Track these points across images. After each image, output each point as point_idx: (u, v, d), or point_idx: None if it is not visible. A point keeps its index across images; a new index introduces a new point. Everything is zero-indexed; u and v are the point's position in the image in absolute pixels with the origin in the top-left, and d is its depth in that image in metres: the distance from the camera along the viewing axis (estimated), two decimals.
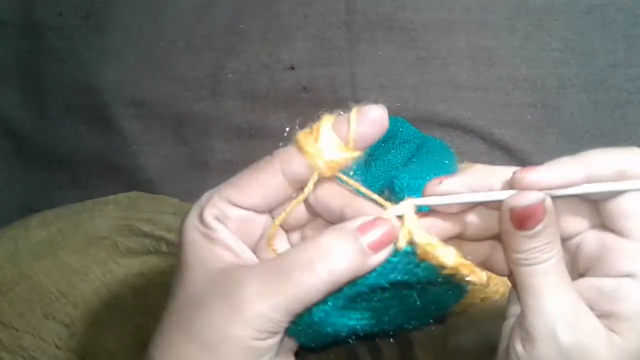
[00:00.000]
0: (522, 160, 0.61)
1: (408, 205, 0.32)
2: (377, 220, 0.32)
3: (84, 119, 0.66)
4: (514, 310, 0.34)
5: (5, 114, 0.68)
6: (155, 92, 0.65)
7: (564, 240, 0.33)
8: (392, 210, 0.32)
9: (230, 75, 0.64)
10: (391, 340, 0.45)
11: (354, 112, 0.32)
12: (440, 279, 0.33)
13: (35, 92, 0.68)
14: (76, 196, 0.64)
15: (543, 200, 0.30)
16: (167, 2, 0.65)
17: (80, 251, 0.52)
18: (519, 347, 0.31)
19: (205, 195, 0.34)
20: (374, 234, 0.31)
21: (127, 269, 0.52)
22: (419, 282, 0.33)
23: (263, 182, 0.33)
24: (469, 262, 0.32)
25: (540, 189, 0.30)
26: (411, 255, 0.32)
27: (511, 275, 0.34)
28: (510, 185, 0.31)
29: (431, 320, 0.38)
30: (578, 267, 0.33)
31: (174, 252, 0.53)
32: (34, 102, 0.68)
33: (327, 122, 0.33)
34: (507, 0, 0.61)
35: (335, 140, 0.33)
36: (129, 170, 0.65)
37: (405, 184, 0.35)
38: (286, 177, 0.33)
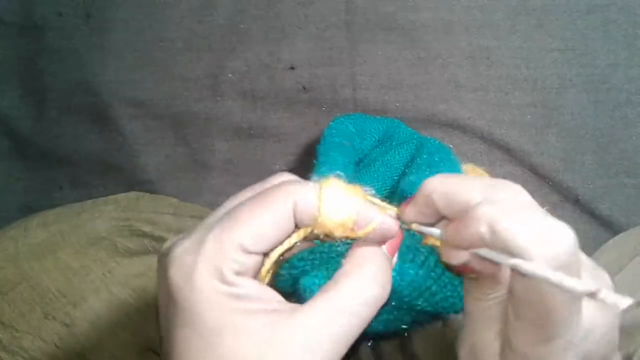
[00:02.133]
0: (522, 160, 0.61)
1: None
2: (387, 229, 0.32)
3: (84, 118, 0.66)
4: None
5: (5, 114, 0.68)
6: (155, 92, 0.65)
7: None
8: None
9: (230, 75, 0.64)
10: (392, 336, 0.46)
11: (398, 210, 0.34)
12: (444, 276, 0.33)
13: (35, 91, 0.68)
14: (76, 196, 0.64)
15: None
16: (167, 2, 0.65)
17: (80, 251, 0.52)
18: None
19: (207, 246, 0.29)
20: (390, 242, 0.32)
21: (127, 269, 0.52)
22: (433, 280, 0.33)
23: (276, 218, 0.30)
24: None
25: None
26: (432, 254, 0.33)
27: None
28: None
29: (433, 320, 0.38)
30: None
31: None
32: (34, 102, 0.68)
33: (371, 196, 0.33)
34: (507, 0, 0.61)
35: (349, 215, 0.31)
36: (128, 170, 0.65)
37: (408, 195, 0.36)
38: (295, 210, 0.30)
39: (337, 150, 0.45)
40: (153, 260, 0.53)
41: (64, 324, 0.49)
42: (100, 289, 0.51)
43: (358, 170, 0.47)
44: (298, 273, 0.33)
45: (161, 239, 0.53)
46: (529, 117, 0.61)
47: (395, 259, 0.33)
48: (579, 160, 0.61)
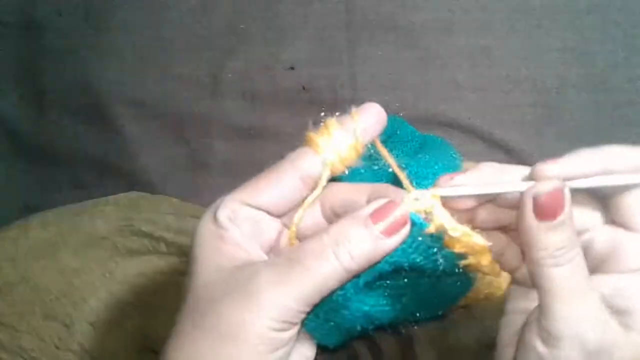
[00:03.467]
0: (522, 160, 0.61)
1: (436, 191, 0.33)
2: (389, 204, 0.31)
3: (84, 118, 0.66)
4: (515, 306, 0.34)
5: (5, 114, 0.68)
6: (155, 92, 0.65)
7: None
8: (413, 194, 0.33)
9: (230, 75, 0.64)
10: (392, 337, 0.46)
11: (356, 109, 0.34)
12: (456, 269, 0.33)
13: (35, 92, 0.68)
14: (76, 196, 0.64)
15: (564, 187, 0.30)
16: (167, 2, 0.65)
17: (80, 251, 0.52)
18: (540, 348, 0.30)
19: (219, 199, 0.34)
20: (387, 219, 0.31)
21: (127, 269, 0.52)
22: (435, 270, 0.33)
23: (276, 181, 0.33)
24: (489, 256, 0.33)
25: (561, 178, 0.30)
26: (437, 241, 0.32)
27: (516, 271, 0.34)
28: (530, 178, 0.31)
29: (439, 313, 0.38)
30: (589, 263, 0.32)
31: (173, 252, 0.53)
32: (34, 102, 0.68)
33: (333, 121, 0.34)
34: (507, 1, 0.61)
35: (343, 135, 0.34)
36: (128, 171, 0.65)
37: (414, 172, 0.35)
38: (299, 175, 0.33)
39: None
40: (153, 260, 0.53)
41: (64, 324, 0.49)
42: (100, 289, 0.51)
43: (363, 168, 0.47)
44: None
45: (161, 239, 0.53)
46: (529, 117, 0.61)
47: (393, 242, 0.32)
48: None
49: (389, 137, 0.53)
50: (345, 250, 0.30)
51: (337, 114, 0.35)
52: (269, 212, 0.34)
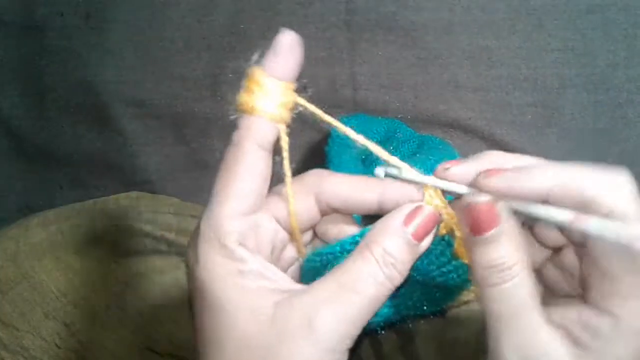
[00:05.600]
0: None
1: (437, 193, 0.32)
2: (417, 209, 0.31)
3: (84, 118, 0.66)
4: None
5: (6, 114, 0.68)
6: (156, 92, 0.65)
7: (555, 251, 0.32)
8: (405, 171, 0.32)
9: (230, 75, 0.64)
10: (392, 332, 0.46)
11: (270, 49, 0.33)
12: (463, 277, 0.33)
13: (35, 91, 0.68)
14: (76, 196, 0.64)
15: (491, 205, 0.29)
16: (167, 2, 0.65)
17: (80, 251, 0.52)
18: None
19: (204, 228, 0.30)
20: (417, 225, 0.30)
21: (127, 268, 0.52)
22: (446, 281, 0.33)
23: (248, 170, 0.31)
24: None
25: (498, 195, 0.29)
26: (447, 248, 0.32)
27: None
28: (473, 185, 0.30)
29: (442, 307, 0.38)
30: (570, 281, 0.32)
31: (174, 252, 0.53)
32: (34, 102, 0.68)
33: (258, 71, 0.32)
34: (507, 0, 0.61)
35: (274, 83, 0.32)
36: (129, 170, 0.65)
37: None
38: (260, 146, 0.31)
39: (346, 150, 0.46)
40: (153, 259, 0.53)
41: (65, 324, 0.49)
42: (100, 289, 0.51)
43: (360, 170, 0.47)
44: (313, 269, 0.34)
45: (162, 239, 0.53)
46: (530, 117, 0.61)
47: (424, 245, 0.31)
48: (579, 160, 0.61)
49: (387, 138, 0.53)
50: (394, 269, 0.30)
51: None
52: (258, 205, 0.32)
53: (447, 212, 0.32)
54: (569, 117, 0.61)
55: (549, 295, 0.34)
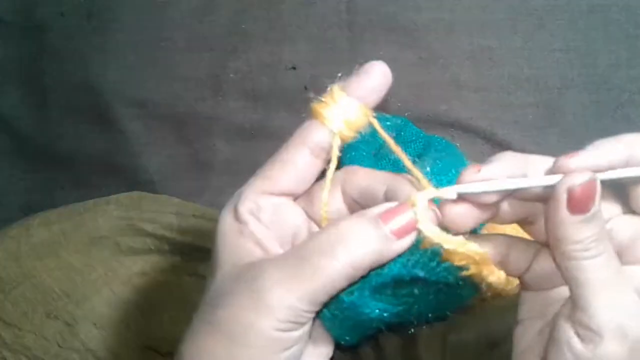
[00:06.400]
0: None
1: (460, 188, 0.31)
2: (401, 206, 0.31)
3: (86, 119, 0.66)
4: (528, 312, 0.33)
5: (7, 114, 0.68)
6: (157, 92, 0.65)
7: None
8: (424, 194, 0.32)
9: (232, 75, 0.64)
10: (395, 335, 0.46)
11: (359, 70, 0.34)
12: (459, 281, 0.33)
13: (36, 92, 0.68)
14: (78, 196, 0.64)
15: (597, 179, 0.29)
16: (168, 2, 0.65)
17: (82, 251, 0.52)
18: (578, 346, 0.29)
19: (238, 191, 0.34)
20: (398, 221, 0.30)
21: (129, 268, 0.52)
22: (437, 281, 0.33)
23: (289, 160, 0.33)
24: (491, 264, 0.32)
25: (595, 170, 0.29)
26: (435, 255, 0.31)
27: (525, 275, 0.33)
28: (554, 171, 0.30)
29: (448, 313, 0.38)
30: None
31: (176, 251, 0.53)
32: (36, 102, 0.68)
33: (337, 87, 0.34)
34: (508, 1, 0.61)
35: (348, 100, 0.33)
36: (130, 170, 0.65)
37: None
38: (310, 148, 0.33)
39: (358, 148, 0.46)
40: (155, 259, 0.53)
41: (67, 323, 0.49)
42: (102, 288, 0.51)
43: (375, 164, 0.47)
44: None
45: (163, 238, 0.53)
46: (531, 117, 0.61)
47: (404, 244, 0.31)
48: None
49: (394, 137, 0.53)
50: (353, 248, 0.30)
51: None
52: (288, 196, 0.34)
53: (430, 226, 0.31)
54: (570, 117, 0.61)
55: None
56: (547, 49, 0.61)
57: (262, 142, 0.64)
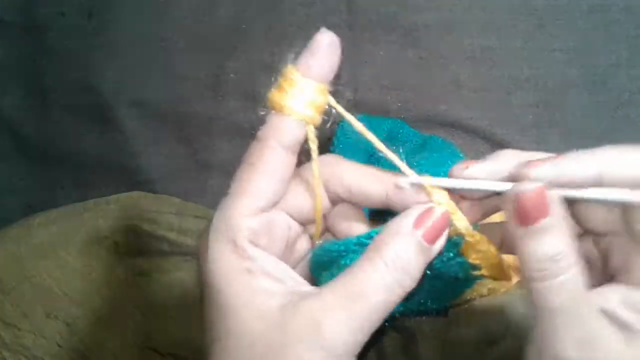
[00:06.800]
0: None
1: (434, 181, 0.31)
2: (429, 211, 0.30)
3: (86, 118, 0.66)
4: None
5: (7, 114, 0.68)
6: (157, 92, 0.65)
7: (596, 235, 0.31)
8: (411, 178, 0.31)
9: (232, 75, 0.64)
10: (394, 332, 0.46)
11: (307, 48, 0.32)
12: (466, 277, 0.33)
13: (36, 91, 0.68)
14: (78, 196, 0.64)
15: (546, 189, 0.27)
16: (168, 2, 0.65)
17: (82, 251, 0.52)
18: None
19: (217, 223, 0.30)
20: (429, 227, 0.29)
21: (129, 268, 0.52)
22: (449, 275, 0.33)
23: (268, 168, 0.31)
24: (504, 263, 0.32)
25: (549, 183, 0.28)
26: (455, 246, 0.31)
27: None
28: (515, 178, 0.29)
29: (447, 304, 0.38)
30: (610, 266, 0.30)
31: (176, 251, 0.53)
32: (36, 102, 0.68)
33: (292, 69, 0.31)
34: (508, 1, 0.61)
35: (307, 82, 0.31)
36: (130, 170, 0.65)
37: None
38: (284, 147, 0.31)
39: (351, 151, 0.46)
40: (155, 259, 0.53)
41: (66, 323, 0.49)
42: (102, 289, 0.51)
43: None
44: (320, 264, 0.33)
45: (163, 239, 0.53)
46: (531, 117, 0.61)
47: (437, 248, 0.30)
48: None
49: (389, 139, 0.53)
50: (406, 274, 0.29)
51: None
52: (274, 204, 0.32)
53: (456, 216, 0.31)
54: (570, 117, 0.61)
55: None
56: (547, 49, 0.61)
57: None
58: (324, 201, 0.34)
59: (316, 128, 0.32)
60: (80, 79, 0.66)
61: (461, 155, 0.48)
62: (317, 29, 0.63)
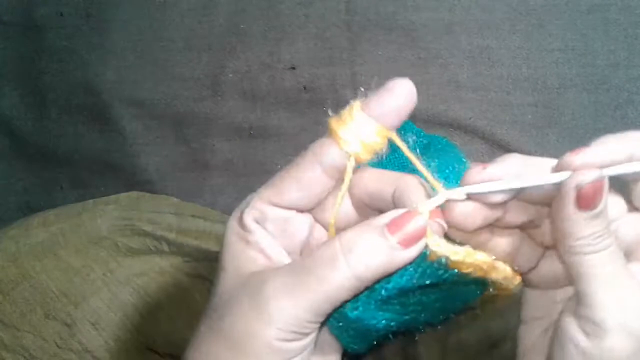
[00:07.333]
0: None
1: (467, 189, 0.31)
2: (407, 214, 0.30)
3: (85, 118, 0.66)
4: (533, 312, 0.33)
5: (6, 114, 0.68)
6: (156, 92, 0.65)
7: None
8: (442, 194, 0.31)
9: (230, 75, 0.64)
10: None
11: (382, 89, 0.31)
12: (469, 281, 0.32)
13: (35, 92, 0.68)
14: (76, 196, 0.64)
15: (605, 176, 0.29)
16: (167, 2, 0.65)
17: (81, 251, 0.52)
18: (584, 342, 0.29)
19: (247, 199, 0.34)
20: (405, 230, 0.29)
21: (128, 268, 0.52)
22: (446, 283, 0.33)
23: (300, 176, 0.32)
24: (502, 266, 0.32)
25: (601, 166, 0.30)
26: (442, 265, 0.31)
27: (532, 271, 0.33)
28: (560, 168, 0.30)
29: (454, 315, 0.38)
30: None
31: (175, 252, 0.53)
32: (34, 102, 0.68)
33: (357, 104, 0.31)
34: (507, 0, 0.61)
35: (367, 121, 0.31)
36: (129, 170, 0.65)
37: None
38: (323, 167, 0.32)
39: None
40: (154, 259, 0.53)
41: (65, 324, 0.49)
42: (101, 289, 0.51)
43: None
44: None
45: (162, 239, 0.53)
46: (530, 117, 0.61)
47: (411, 253, 0.30)
48: None
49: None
50: (359, 259, 0.29)
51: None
52: (297, 209, 0.33)
53: (433, 239, 0.31)
54: (569, 117, 0.61)
55: None
56: (546, 48, 0.61)
57: (260, 142, 0.64)
58: (349, 211, 0.35)
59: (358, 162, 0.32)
60: (79, 79, 0.66)
61: (464, 159, 0.47)
62: (317, 28, 0.63)
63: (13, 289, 0.50)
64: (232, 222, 0.33)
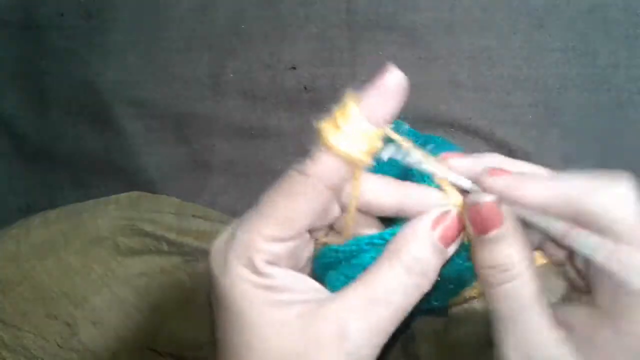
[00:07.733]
0: (523, 160, 0.61)
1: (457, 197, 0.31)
2: (444, 215, 0.30)
3: (85, 118, 0.66)
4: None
5: (6, 114, 0.68)
6: (156, 92, 0.65)
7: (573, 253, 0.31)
8: (449, 199, 0.31)
9: (231, 75, 0.64)
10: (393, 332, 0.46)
11: (373, 83, 0.29)
12: (472, 278, 0.33)
13: (36, 92, 0.68)
14: (77, 196, 0.64)
15: (493, 205, 0.28)
16: (168, 2, 0.65)
17: (81, 251, 0.52)
18: None
19: (239, 240, 0.29)
20: (445, 229, 0.29)
21: (129, 268, 0.52)
22: (456, 276, 0.33)
23: (302, 203, 0.29)
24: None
25: (500, 196, 0.29)
26: (465, 249, 0.31)
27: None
28: (476, 180, 0.30)
29: (451, 298, 0.38)
30: (589, 281, 0.30)
31: (175, 251, 0.53)
32: (35, 102, 0.68)
33: (350, 107, 0.28)
34: (508, 1, 0.61)
35: (364, 125, 0.29)
36: (129, 170, 0.65)
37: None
38: (326, 187, 0.29)
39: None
40: (155, 259, 0.53)
41: (66, 324, 0.49)
42: (101, 289, 0.51)
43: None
44: (326, 263, 0.33)
45: (163, 239, 0.53)
46: (530, 117, 0.61)
47: (452, 250, 0.30)
48: (580, 161, 0.61)
49: (390, 140, 0.53)
50: (424, 277, 0.29)
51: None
52: (301, 234, 0.30)
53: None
54: (569, 117, 0.61)
55: (571, 290, 0.33)
56: (546, 48, 0.61)
57: (261, 142, 0.64)
58: (333, 208, 0.33)
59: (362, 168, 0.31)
60: (79, 79, 0.66)
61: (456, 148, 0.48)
62: (317, 28, 0.63)
63: (14, 288, 0.50)
64: (237, 272, 0.28)
